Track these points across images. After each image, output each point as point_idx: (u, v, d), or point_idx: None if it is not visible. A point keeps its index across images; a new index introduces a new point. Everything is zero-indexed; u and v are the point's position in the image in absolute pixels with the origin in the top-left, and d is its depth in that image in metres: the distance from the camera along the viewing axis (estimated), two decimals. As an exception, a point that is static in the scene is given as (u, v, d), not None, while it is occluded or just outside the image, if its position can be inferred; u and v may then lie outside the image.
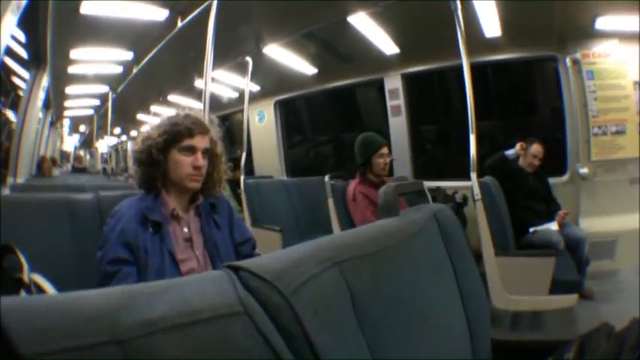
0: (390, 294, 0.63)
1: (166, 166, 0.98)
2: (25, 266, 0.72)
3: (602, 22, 2.69)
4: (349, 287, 0.54)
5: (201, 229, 1.00)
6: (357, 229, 0.75)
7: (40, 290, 0.74)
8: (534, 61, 3.14)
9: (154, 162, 0.97)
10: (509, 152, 2.42)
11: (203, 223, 1.01)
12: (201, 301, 0.38)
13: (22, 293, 0.68)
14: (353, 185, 1.94)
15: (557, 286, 1.85)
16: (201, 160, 0.98)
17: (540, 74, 3.29)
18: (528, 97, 3.36)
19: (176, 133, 0.98)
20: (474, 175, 1.92)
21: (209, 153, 1.02)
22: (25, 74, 3.78)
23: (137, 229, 0.92)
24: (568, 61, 2.87)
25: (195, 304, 0.38)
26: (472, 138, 1.92)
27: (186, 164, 0.97)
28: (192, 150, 0.98)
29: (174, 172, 0.98)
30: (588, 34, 2.81)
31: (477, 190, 1.90)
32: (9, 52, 3.45)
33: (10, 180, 3.69)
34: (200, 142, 0.99)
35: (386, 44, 2.91)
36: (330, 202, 1.96)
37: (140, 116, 6.70)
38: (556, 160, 2.89)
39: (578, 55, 2.89)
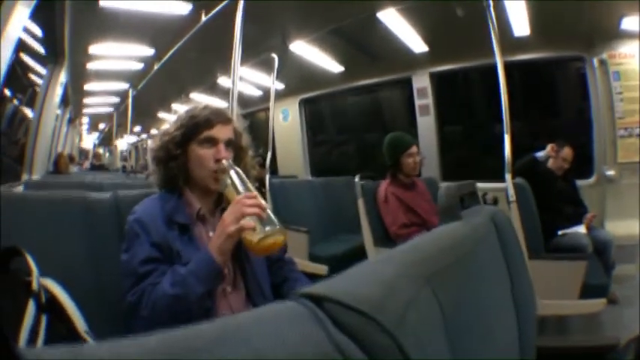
0: (466, 308, 0.59)
1: (187, 163, 0.90)
2: (35, 271, 0.68)
3: (629, 22, 2.64)
4: (440, 306, 0.47)
5: None
6: (426, 237, 0.71)
7: (51, 296, 0.69)
8: (556, 61, 3.09)
9: (173, 158, 0.90)
10: (540, 154, 2.38)
11: None
12: (281, 353, 0.27)
13: (31, 302, 0.63)
14: (384, 186, 1.91)
15: (586, 290, 1.82)
16: (224, 152, 0.88)
17: (562, 75, 3.24)
18: (550, 98, 3.30)
19: (194, 125, 0.89)
20: (508, 177, 1.87)
21: (233, 145, 0.92)
22: (43, 71, 3.75)
23: (164, 229, 0.85)
24: (595, 61, 2.83)
25: (274, 357, 0.26)
26: (507, 138, 1.88)
27: (207, 158, 0.87)
28: (213, 142, 0.89)
29: (195, 170, 0.90)
30: (615, 35, 2.77)
31: (511, 192, 1.86)
32: (26, 48, 3.43)
33: (24, 176, 3.67)
34: (221, 132, 0.90)
35: (414, 42, 2.88)
36: (361, 202, 1.92)
37: (161, 114, 6.64)
38: (579, 162, 2.84)
39: (604, 56, 2.84)
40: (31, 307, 0.62)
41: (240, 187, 0.83)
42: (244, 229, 0.77)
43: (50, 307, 0.67)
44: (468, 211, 0.86)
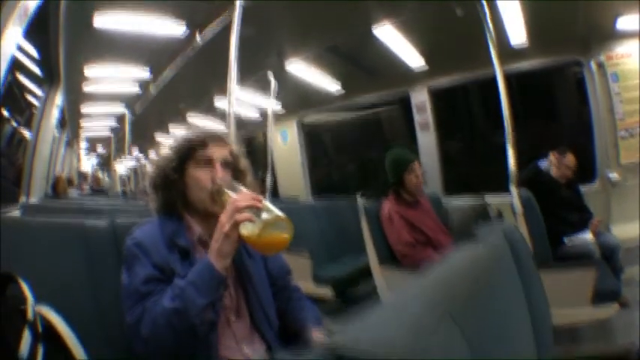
0: (490, 340, 0.57)
1: (184, 187, 0.88)
2: (30, 299, 0.66)
3: (624, 22, 2.64)
4: (468, 344, 0.44)
5: (232, 260, 0.86)
6: (445, 263, 0.68)
7: (49, 325, 0.67)
8: (553, 67, 3.08)
9: (170, 183, 0.88)
10: (543, 163, 2.36)
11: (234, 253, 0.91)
12: None
13: (26, 332, 0.61)
14: (388, 205, 1.88)
15: (597, 296, 1.80)
16: (221, 171, 0.87)
17: (560, 80, 3.23)
18: (549, 104, 3.29)
19: (189, 148, 0.88)
20: (513, 188, 1.85)
21: (231, 167, 0.91)
22: (40, 92, 3.74)
23: (165, 252, 0.82)
24: (593, 64, 2.82)
25: None
26: (510, 149, 1.85)
27: (204, 179, 0.85)
28: (209, 162, 0.87)
29: (193, 194, 0.87)
30: (610, 35, 2.76)
31: (517, 204, 1.83)
32: (23, 70, 3.42)
33: (22, 199, 3.63)
34: (217, 152, 0.88)
35: (412, 57, 2.87)
36: (364, 223, 1.89)
37: (159, 137, 6.61)
38: (581, 166, 2.82)
39: (602, 58, 2.84)
40: (26, 337, 0.61)
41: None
42: (240, 222, 0.73)
43: (48, 336, 0.65)
44: (482, 230, 0.85)
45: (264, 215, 0.72)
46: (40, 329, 0.64)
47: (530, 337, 0.72)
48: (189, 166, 0.88)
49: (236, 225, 0.73)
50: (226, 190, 0.81)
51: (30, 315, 0.63)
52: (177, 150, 0.89)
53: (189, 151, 0.88)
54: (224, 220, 0.75)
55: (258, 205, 0.74)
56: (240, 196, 0.77)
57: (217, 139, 0.90)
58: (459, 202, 1.74)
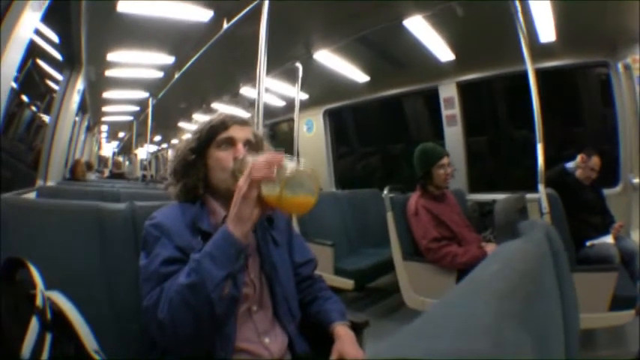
0: (547, 336, 0.56)
1: (206, 170, 0.86)
2: (39, 285, 0.63)
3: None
4: (531, 343, 0.45)
5: (257, 248, 0.87)
6: (498, 259, 0.67)
7: (58, 311, 0.64)
8: (577, 67, 3.04)
9: (192, 166, 0.86)
10: (569, 165, 2.35)
11: (259, 240, 0.87)
12: None
13: (34, 320, 0.58)
14: (414, 199, 1.87)
15: (614, 302, 1.78)
16: (243, 151, 0.84)
17: (584, 81, 3.19)
18: (572, 105, 3.25)
19: (209, 129, 0.87)
20: (542, 187, 1.83)
21: (253, 149, 0.88)
22: (60, 77, 3.75)
23: (188, 235, 0.79)
24: (620, 66, 2.77)
25: None
26: (539, 147, 1.83)
27: (226, 159, 0.83)
28: (231, 142, 0.85)
29: (215, 174, 0.85)
30: (637, 38, 2.71)
31: (545, 203, 1.81)
32: (43, 55, 3.43)
33: (39, 182, 3.63)
34: (238, 132, 0.87)
35: (441, 50, 2.84)
36: (390, 216, 1.88)
37: (182, 124, 6.54)
38: (604, 169, 2.78)
39: (628, 60, 2.79)
40: (34, 325, 0.58)
41: None
42: (257, 181, 0.68)
43: (56, 323, 0.62)
44: (524, 226, 0.84)
45: (286, 174, 0.67)
46: (49, 317, 0.61)
47: (562, 340, 0.72)
48: (212, 148, 0.87)
49: (253, 184, 0.69)
50: (248, 163, 0.77)
51: (39, 301, 0.60)
52: (199, 133, 0.89)
53: (211, 134, 0.87)
54: (242, 182, 0.71)
55: (278, 162, 0.68)
56: (259, 156, 0.73)
57: (239, 121, 0.89)
58: (504, 198, 1.73)
